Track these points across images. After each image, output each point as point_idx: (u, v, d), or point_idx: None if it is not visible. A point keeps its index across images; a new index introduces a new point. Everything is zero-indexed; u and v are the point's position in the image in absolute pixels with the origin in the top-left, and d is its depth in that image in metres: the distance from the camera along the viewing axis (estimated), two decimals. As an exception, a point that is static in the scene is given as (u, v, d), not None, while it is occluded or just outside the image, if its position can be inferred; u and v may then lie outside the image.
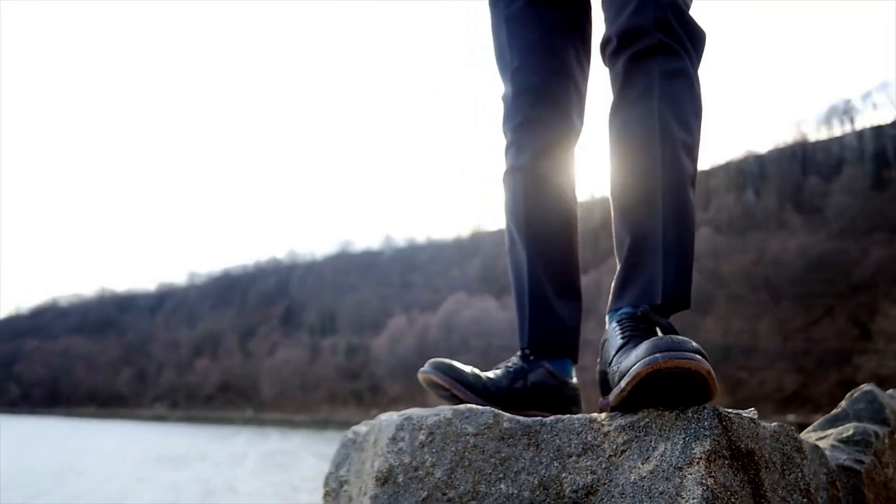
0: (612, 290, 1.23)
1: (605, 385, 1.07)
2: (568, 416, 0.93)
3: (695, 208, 1.24)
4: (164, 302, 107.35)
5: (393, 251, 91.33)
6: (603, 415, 0.92)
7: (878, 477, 1.31)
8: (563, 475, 0.87)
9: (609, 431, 0.88)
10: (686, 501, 0.75)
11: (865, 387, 1.65)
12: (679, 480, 0.77)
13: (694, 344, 0.89)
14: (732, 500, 0.80)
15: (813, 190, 51.12)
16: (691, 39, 1.29)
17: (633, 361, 0.86)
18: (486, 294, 62.26)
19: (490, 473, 0.89)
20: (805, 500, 0.98)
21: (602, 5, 1.39)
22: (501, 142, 1.59)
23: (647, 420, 0.86)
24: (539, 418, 0.94)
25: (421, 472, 0.91)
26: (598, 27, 1.54)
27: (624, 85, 1.29)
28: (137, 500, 13.93)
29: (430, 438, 0.93)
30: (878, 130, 54.58)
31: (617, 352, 1.01)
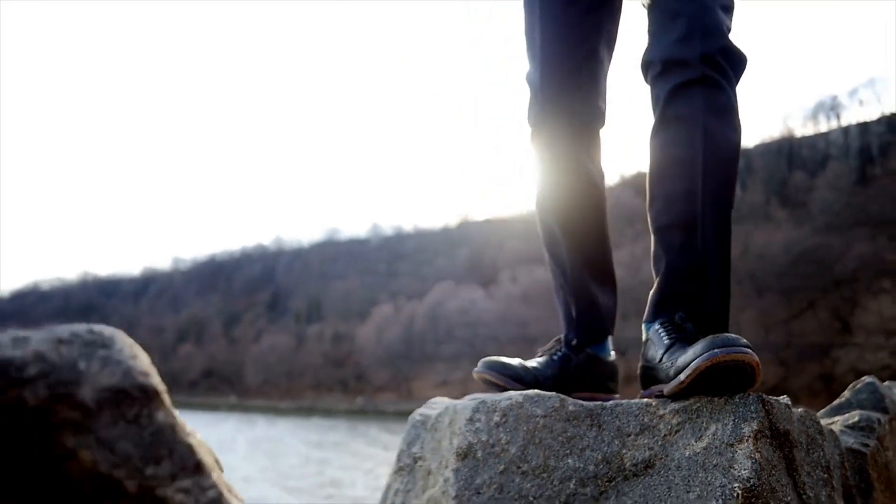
0: (651, 302, 1.31)
1: (648, 379, 1.20)
2: (626, 400, 1.06)
3: (731, 233, 1.30)
4: (148, 287, 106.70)
5: (380, 239, 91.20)
6: (656, 400, 1.06)
7: (880, 459, 1.46)
8: (624, 451, 1.01)
9: (664, 414, 1.01)
10: (738, 472, 0.89)
11: (867, 378, 1.82)
12: (731, 455, 0.91)
13: (744, 340, 1.01)
14: (773, 472, 0.93)
15: (798, 185, 51.66)
16: (734, 67, 1.33)
17: (691, 357, 0.99)
18: (472, 283, 62.41)
19: (558, 450, 1.02)
20: (825, 475, 1.12)
21: (648, 17, 1.43)
22: (525, 129, 1.59)
23: (698, 405, 1.00)
24: (599, 402, 1.07)
25: (497, 448, 1.04)
26: (628, 14, 1.61)
27: (666, 110, 1.34)
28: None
29: (503, 419, 1.06)
30: (863, 127, 55.14)
31: (666, 351, 1.13)
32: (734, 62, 1.33)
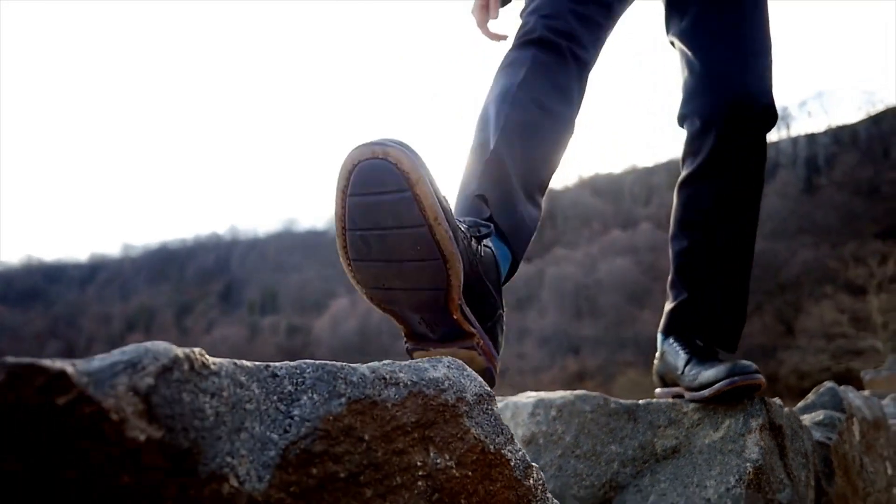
0: (668, 318, 1.56)
1: (666, 380, 1.49)
2: (656, 400, 1.34)
3: (749, 276, 1.49)
4: (96, 273, 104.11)
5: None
6: (679, 400, 1.34)
7: (840, 450, 1.78)
8: (655, 440, 1.28)
9: (687, 411, 1.29)
10: (749, 455, 1.17)
11: (828, 384, 2.17)
12: (742, 442, 1.19)
13: (754, 366, 1.28)
14: (772, 456, 1.22)
15: (748, 191, 53.26)
16: (769, 124, 1.48)
17: (713, 378, 1.26)
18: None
19: (603, 438, 1.30)
20: (804, 460, 1.43)
21: (681, 56, 1.50)
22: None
23: (714, 405, 1.28)
24: (635, 402, 1.35)
25: (555, 437, 1.31)
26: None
27: (699, 159, 1.47)
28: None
29: (559, 414, 1.33)
30: (811, 138, 57.31)
31: (686, 363, 1.38)
32: (771, 121, 1.47)
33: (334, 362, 0.58)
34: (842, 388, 2.21)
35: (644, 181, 64.59)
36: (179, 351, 0.52)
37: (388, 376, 0.58)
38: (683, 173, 1.55)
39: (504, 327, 0.99)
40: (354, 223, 0.78)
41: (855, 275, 30.43)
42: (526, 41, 1.30)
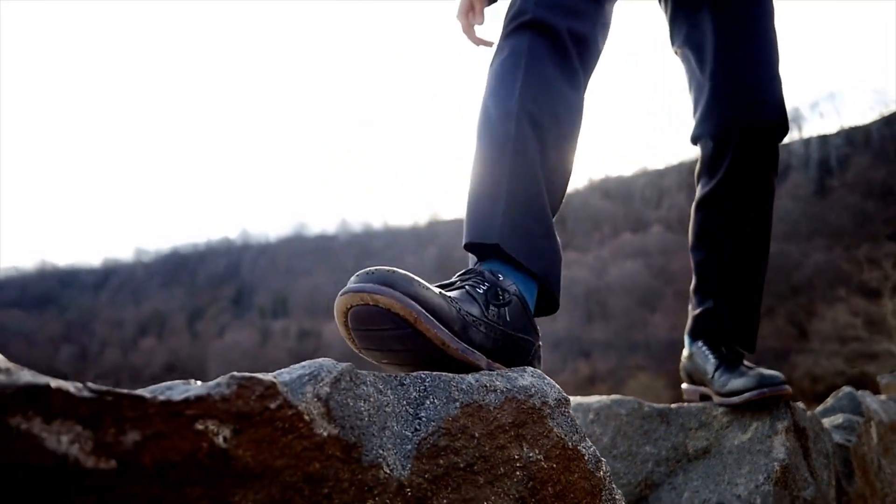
0: (695, 322, 1.63)
1: (694, 379, 1.58)
2: (686, 404, 1.43)
3: (764, 279, 1.58)
4: (109, 278, 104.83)
5: (348, 236, 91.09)
6: (708, 403, 1.43)
7: (859, 452, 1.86)
8: (687, 441, 1.37)
9: (716, 415, 1.39)
10: (776, 455, 1.26)
11: (846, 388, 2.25)
12: (770, 443, 1.28)
13: (781, 376, 1.38)
14: (797, 456, 1.31)
15: (760, 194, 53.01)
16: (782, 134, 1.51)
17: (743, 386, 1.37)
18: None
19: (639, 440, 1.39)
20: (826, 461, 1.51)
21: (693, 79, 1.53)
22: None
23: (742, 408, 1.37)
24: (667, 405, 1.44)
25: (593, 438, 1.40)
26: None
27: (714, 180, 1.53)
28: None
29: (596, 417, 1.42)
30: (823, 139, 57.06)
31: (716, 370, 1.48)
32: (784, 131, 1.52)
33: (446, 373, 0.69)
34: (859, 392, 2.29)
35: (655, 184, 64.55)
36: (342, 365, 0.61)
37: (488, 384, 0.69)
38: (700, 192, 1.59)
39: (541, 356, 1.01)
40: (363, 344, 0.79)
41: (869, 277, 30.26)
42: (518, 25, 1.18)
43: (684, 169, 61.32)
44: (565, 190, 1.19)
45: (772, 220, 1.58)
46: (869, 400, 2.17)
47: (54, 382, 0.41)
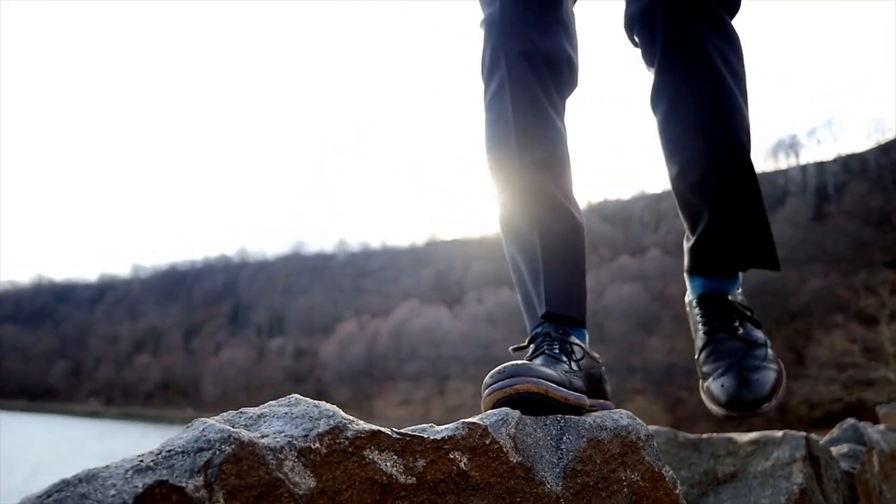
0: (689, 256, 1.41)
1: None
2: (716, 435, 1.65)
3: (753, 165, 1.37)
4: (105, 294, 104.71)
5: (346, 255, 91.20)
6: (735, 434, 1.65)
7: (863, 478, 2.08)
8: (717, 467, 1.59)
9: (742, 444, 1.60)
10: (795, 480, 1.48)
11: (850, 420, 2.47)
12: (789, 470, 1.50)
13: (769, 379, 1.23)
14: (812, 482, 1.53)
15: (757, 219, 53.42)
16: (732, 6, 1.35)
17: (716, 396, 1.26)
18: (438, 303, 62.83)
19: (675, 465, 1.60)
20: (835, 485, 1.73)
21: None
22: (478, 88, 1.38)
23: (764, 439, 1.59)
24: (699, 436, 1.66)
25: (635, 463, 1.62)
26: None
27: (653, 63, 1.33)
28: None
29: (637, 444, 1.64)
30: (820, 166, 57.66)
31: (703, 349, 1.36)
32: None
33: (573, 416, 0.92)
34: (861, 423, 2.52)
35: (653, 207, 64.98)
36: (517, 413, 0.83)
37: (601, 424, 0.92)
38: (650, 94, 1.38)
39: (605, 374, 1.25)
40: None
41: (866, 304, 30.46)
42: (494, 75, 1.29)
43: (682, 193, 61.60)
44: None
45: (740, 103, 1.36)
46: (870, 430, 2.40)
47: (382, 428, 0.70)
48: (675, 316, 44.32)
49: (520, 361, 0.95)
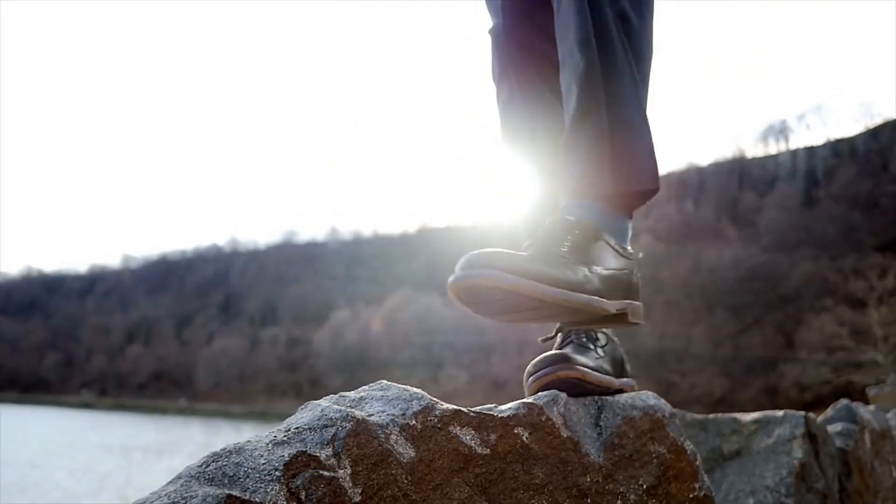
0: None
1: None
2: (721, 415, 1.78)
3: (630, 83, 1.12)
4: (95, 285, 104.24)
5: (338, 244, 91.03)
6: (739, 413, 1.78)
7: (855, 455, 2.22)
8: (722, 444, 1.72)
9: (746, 423, 1.73)
10: (795, 455, 1.60)
11: (843, 401, 2.61)
12: (790, 446, 1.62)
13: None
14: (810, 457, 1.66)
15: (748, 204, 53.85)
16: None
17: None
18: (431, 290, 62.95)
19: (683, 443, 1.73)
20: (831, 461, 1.86)
21: None
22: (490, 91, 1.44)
23: (766, 418, 1.72)
24: (705, 416, 1.78)
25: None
26: None
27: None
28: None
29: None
30: (810, 151, 58.00)
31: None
32: None
33: (609, 396, 1.02)
34: (854, 403, 2.66)
35: (644, 194, 64.96)
36: (563, 394, 0.93)
37: (633, 404, 1.03)
38: None
39: (625, 355, 1.35)
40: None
41: (855, 288, 30.84)
42: (504, 84, 1.36)
43: (673, 179, 62.05)
44: None
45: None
46: (862, 411, 2.54)
47: (461, 407, 0.78)
48: (667, 301, 44.64)
49: (557, 351, 1.07)
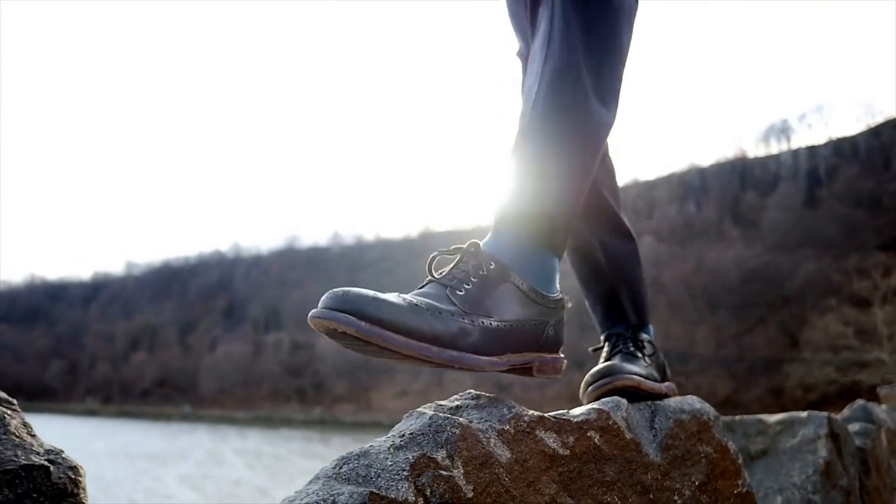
0: None
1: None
2: (747, 417, 1.87)
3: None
4: (98, 292, 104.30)
5: (341, 248, 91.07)
6: (764, 415, 1.86)
7: (873, 453, 2.30)
8: (749, 445, 1.80)
9: (771, 424, 1.82)
10: (820, 453, 1.69)
11: (860, 401, 2.70)
12: (815, 445, 1.71)
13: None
14: (833, 455, 1.74)
15: (750, 204, 53.87)
16: None
17: None
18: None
19: (712, 444, 1.82)
20: (852, 459, 1.95)
21: None
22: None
23: (791, 419, 1.81)
24: (732, 417, 1.87)
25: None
26: None
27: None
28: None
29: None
30: (811, 150, 58.01)
31: None
32: None
33: (660, 400, 1.11)
34: (869, 404, 2.75)
35: (646, 195, 65.19)
36: (624, 400, 1.02)
37: (681, 407, 1.12)
38: None
39: (664, 360, 1.46)
40: None
41: (859, 287, 30.82)
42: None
43: (675, 180, 62.13)
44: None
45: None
46: (878, 410, 2.62)
47: (544, 414, 0.86)
48: (670, 302, 44.67)
49: (610, 363, 1.16)
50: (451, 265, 0.95)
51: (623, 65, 1.11)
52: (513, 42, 1.43)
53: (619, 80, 1.10)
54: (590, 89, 1.03)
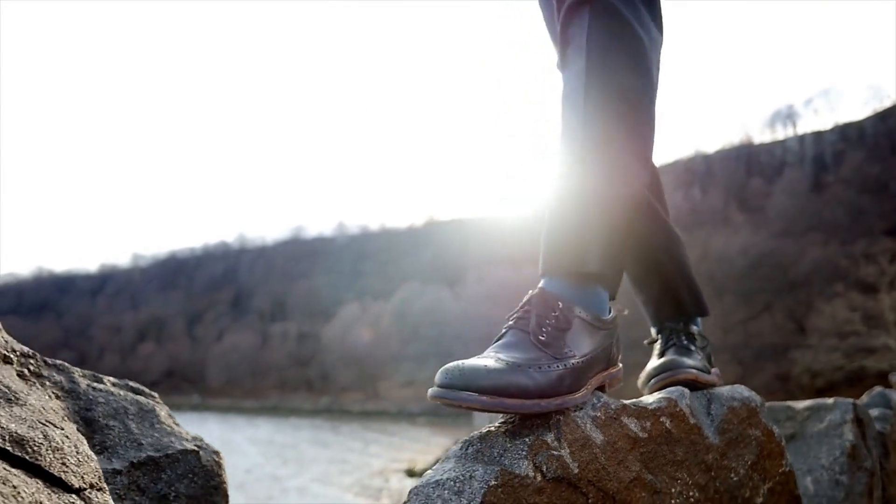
0: None
1: None
2: (777, 403, 1.99)
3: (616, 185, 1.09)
4: (106, 284, 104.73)
5: (346, 238, 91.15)
6: (791, 402, 1.99)
7: (892, 437, 2.42)
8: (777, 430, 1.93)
9: (799, 410, 1.94)
10: (846, 437, 1.81)
11: (878, 388, 2.82)
12: (841, 430, 1.83)
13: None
14: (859, 438, 1.87)
15: (756, 190, 53.71)
16: None
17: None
18: (439, 283, 63.05)
19: (744, 429, 1.95)
20: (875, 443, 2.07)
21: None
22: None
23: (817, 405, 1.93)
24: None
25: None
26: None
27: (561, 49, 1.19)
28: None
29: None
30: (818, 136, 57.81)
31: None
32: None
33: (716, 388, 1.23)
34: (887, 390, 2.87)
35: (651, 182, 64.80)
36: (686, 390, 1.14)
37: (732, 395, 1.24)
38: None
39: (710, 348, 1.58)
40: None
41: (865, 272, 30.82)
42: None
43: (680, 167, 61.97)
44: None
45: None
46: (895, 396, 2.74)
47: (626, 402, 0.99)
48: (677, 289, 44.46)
49: (669, 358, 1.28)
50: (521, 308, 1.02)
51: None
52: (551, 53, 1.44)
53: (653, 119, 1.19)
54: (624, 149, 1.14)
